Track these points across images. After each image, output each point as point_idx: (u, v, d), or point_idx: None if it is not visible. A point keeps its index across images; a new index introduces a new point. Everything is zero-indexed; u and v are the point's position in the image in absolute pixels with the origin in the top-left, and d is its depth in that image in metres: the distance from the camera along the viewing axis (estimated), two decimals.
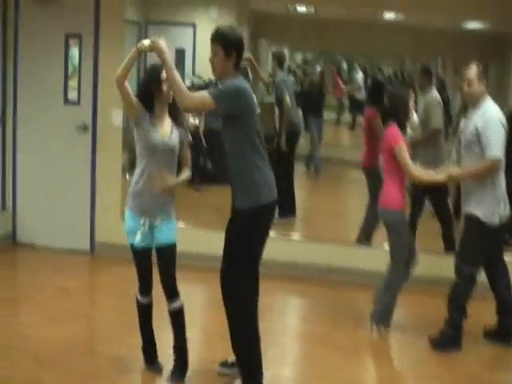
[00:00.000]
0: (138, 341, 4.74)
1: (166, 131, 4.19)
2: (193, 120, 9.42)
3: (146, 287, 4.36)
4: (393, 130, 5.08)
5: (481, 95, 4.90)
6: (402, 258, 5.19)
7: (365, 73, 11.28)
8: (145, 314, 4.43)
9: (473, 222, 4.94)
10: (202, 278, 6.01)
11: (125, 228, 4.27)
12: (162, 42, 3.95)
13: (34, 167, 6.75)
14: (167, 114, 4.24)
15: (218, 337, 4.77)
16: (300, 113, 8.11)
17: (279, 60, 7.92)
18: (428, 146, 6.56)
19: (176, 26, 9.50)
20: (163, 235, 4.22)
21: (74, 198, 6.74)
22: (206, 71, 9.59)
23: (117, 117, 6.54)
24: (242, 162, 4.10)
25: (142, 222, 4.19)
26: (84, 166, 6.66)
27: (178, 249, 4.32)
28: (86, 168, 6.66)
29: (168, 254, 4.25)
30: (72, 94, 6.56)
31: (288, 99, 7.57)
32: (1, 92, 6.67)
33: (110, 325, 5.25)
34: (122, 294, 5.81)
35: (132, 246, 4.26)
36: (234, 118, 4.04)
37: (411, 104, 5.35)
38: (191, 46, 9.48)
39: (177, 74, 3.89)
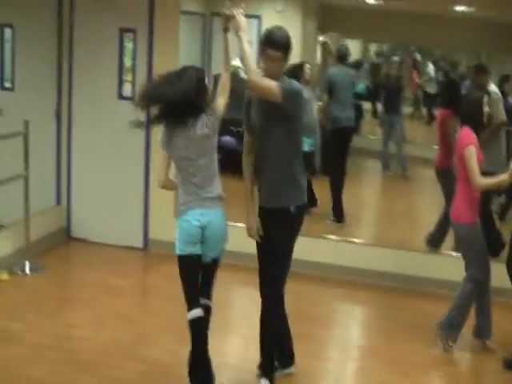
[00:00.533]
0: (181, 347, 4.57)
1: None
2: None
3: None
4: (465, 132, 4.82)
5: None
6: (476, 275, 4.84)
7: (440, 67, 10.82)
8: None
9: None
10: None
11: None
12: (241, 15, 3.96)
13: (88, 162, 6.69)
14: None
15: None
16: (349, 107, 7.70)
17: (341, 55, 7.63)
18: (491, 142, 6.22)
19: None
20: None
21: (128, 194, 6.64)
22: None
23: None
24: (292, 162, 4.09)
25: None
26: (138, 162, 6.55)
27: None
28: (140, 164, 6.54)
29: None
30: (126, 89, 6.44)
31: (325, 95, 7.43)
32: (56, 87, 6.61)
33: (156, 329, 5.12)
34: (171, 295, 5.65)
35: None
36: (289, 118, 4.00)
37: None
38: (256, 38, 9.24)
39: (249, 49, 3.87)
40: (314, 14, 9.41)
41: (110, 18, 6.37)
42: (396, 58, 10.65)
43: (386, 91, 9.68)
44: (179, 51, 6.38)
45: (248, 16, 9.41)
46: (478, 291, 4.86)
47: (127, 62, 6.42)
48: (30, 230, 6.07)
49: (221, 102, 3.93)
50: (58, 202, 6.80)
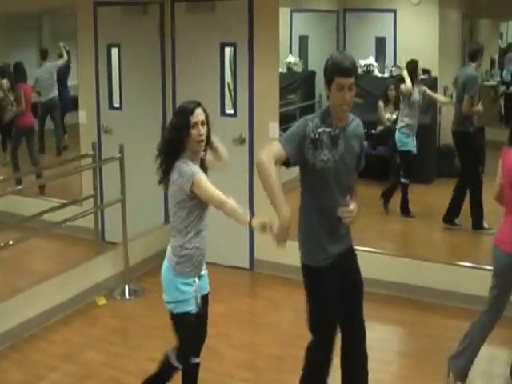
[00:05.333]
0: None
1: None
2: (389, 115, 8.60)
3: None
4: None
5: None
6: (496, 307, 4.26)
7: None
8: None
9: None
10: None
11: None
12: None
13: None
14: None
15: None
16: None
17: (468, 53, 6.87)
18: None
19: (375, 12, 8.71)
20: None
21: None
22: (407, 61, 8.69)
23: (274, 129, 6.12)
24: None
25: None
26: (242, 179, 6.31)
27: None
28: (245, 182, 6.30)
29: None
30: (228, 106, 6.24)
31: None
32: (161, 103, 6.56)
33: (235, 367, 4.80)
34: (261, 326, 5.37)
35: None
36: None
37: None
38: (392, 33, 8.62)
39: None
40: (459, 2, 8.61)
41: (210, 34, 6.20)
42: None
43: None
44: (279, 65, 6.11)
45: (382, 10, 8.85)
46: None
47: (228, 77, 6.19)
48: (131, 253, 6.04)
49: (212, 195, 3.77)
50: (166, 220, 6.72)
